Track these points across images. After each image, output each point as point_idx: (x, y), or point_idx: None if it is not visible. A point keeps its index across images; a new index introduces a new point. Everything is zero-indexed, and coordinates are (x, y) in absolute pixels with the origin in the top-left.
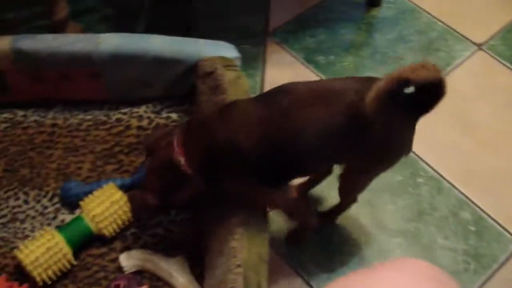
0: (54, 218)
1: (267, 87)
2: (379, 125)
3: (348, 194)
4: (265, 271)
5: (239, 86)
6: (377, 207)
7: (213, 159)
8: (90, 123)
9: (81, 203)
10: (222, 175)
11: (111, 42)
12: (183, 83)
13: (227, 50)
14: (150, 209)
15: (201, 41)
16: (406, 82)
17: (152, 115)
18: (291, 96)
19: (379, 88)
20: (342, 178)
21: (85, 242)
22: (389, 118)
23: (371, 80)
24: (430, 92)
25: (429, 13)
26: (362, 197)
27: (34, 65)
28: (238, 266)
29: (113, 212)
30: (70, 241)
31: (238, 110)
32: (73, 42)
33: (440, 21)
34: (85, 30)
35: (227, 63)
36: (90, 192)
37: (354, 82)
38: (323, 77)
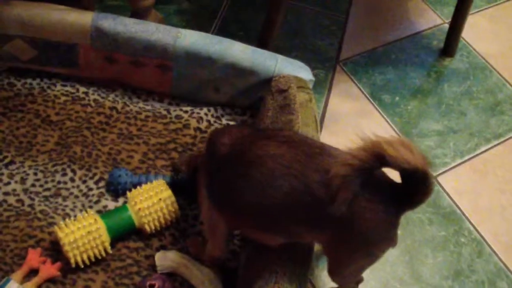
0: (97, 202)
1: (328, 114)
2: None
3: (342, 283)
4: None
5: (309, 109)
6: (416, 258)
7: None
8: (149, 113)
9: (129, 193)
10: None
11: (190, 39)
12: (251, 95)
13: (303, 71)
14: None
15: (280, 57)
16: (382, 158)
17: (212, 119)
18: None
19: (347, 161)
20: (328, 264)
21: (124, 233)
22: (358, 204)
23: None
24: (414, 184)
25: (500, 74)
26: (403, 245)
27: (110, 46)
28: None
29: (158, 209)
30: (110, 230)
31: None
32: (152, 31)
33: (510, 84)
34: (162, 18)
35: (301, 84)
36: (138, 183)
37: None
38: (385, 115)
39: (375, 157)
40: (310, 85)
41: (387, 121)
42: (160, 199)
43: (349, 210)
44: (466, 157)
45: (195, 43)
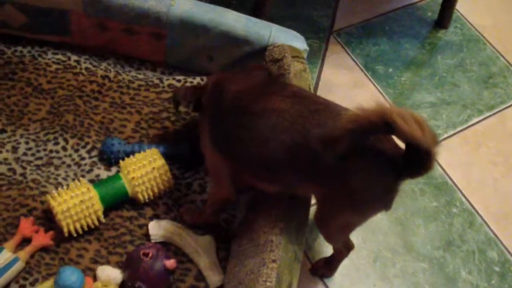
0: (89, 171)
1: (322, 85)
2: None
3: (327, 236)
4: (297, 271)
5: (303, 79)
6: (408, 228)
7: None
8: (141, 82)
9: (122, 162)
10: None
11: (184, 7)
12: (245, 63)
13: (298, 41)
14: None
15: (274, 26)
16: (390, 127)
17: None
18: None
19: (355, 118)
20: (316, 212)
21: (117, 202)
22: (355, 163)
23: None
24: (417, 157)
25: (493, 47)
26: (395, 215)
27: (102, 13)
28: (274, 261)
29: (152, 178)
30: (103, 199)
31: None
32: None
33: (503, 57)
34: None
35: (296, 54)
36: (132, 152)
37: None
38: (378, 87)
39: (384, 123)
40: (305, 55)
41: (380, 92)
42: (153, 168)
43: (345, 166)
44: (459, 129)
45: (188, 11)
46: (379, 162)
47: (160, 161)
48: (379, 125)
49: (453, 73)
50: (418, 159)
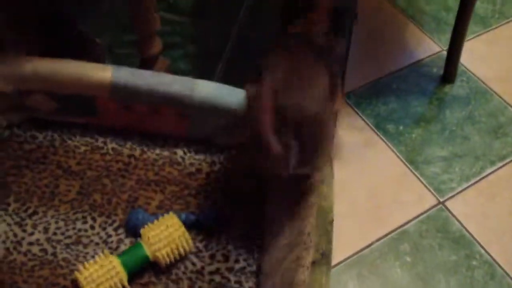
0: (116, 248)
1: (334, 148)
2: None
3: None
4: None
5: None
6: (429, 284)
7: None
8: (165, 160)
9: (142, 230)
10: None
11: (206, 89)
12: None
13: None
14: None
15: None
16: None
17: (225, 162)
18: None
19: None
20: None
21: (140, 267)
22: None
23: None
24: None
25: (500, 97)
26: (415, 271)
27: (129, 98)
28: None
29: (168, 235)
30: (125, 265)
31: None
32: (170, 83)
33: (511, 106)
34: (169, 64)
35: None
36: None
37: None
38: (390, 145)
39: None
40: None
41: (392, 151)
42: (168, 226)
43: None
44: (472, 181)
45: (211, 93)
46: None
47: (177, 223)
48: None
49: (463, 126)
50: None
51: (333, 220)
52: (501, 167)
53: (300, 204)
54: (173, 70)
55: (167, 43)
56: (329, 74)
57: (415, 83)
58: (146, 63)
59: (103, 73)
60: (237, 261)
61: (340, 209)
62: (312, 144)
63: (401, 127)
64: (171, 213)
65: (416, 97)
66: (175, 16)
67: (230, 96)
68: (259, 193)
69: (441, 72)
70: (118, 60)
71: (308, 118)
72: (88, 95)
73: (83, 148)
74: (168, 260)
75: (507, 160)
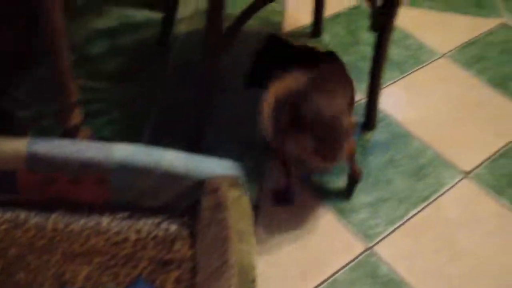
0: None
1: (263, 201)
2: None
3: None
4: None
5: (241, 205)
6: None
7: None
8: (90, 231)
9: None
10: None
11: (124, 152)
12: (188, 198)
13: (232, 169)
14: None
15: (210, 159)
16: None
17: (152, 228)
18: None
19: None
20: None
21: None
22: None
23: None
24: None
25: (420, 139)
26: None
27: (47, 168)
28: None
29: None
30: None
31: None
32: (86, 149)
33: (431, 147)
34: (93, 132)
35: (232, 182)
36: None
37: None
38: (318, 195)
39: None
40: (242, 181)
41: (319, 200)
42: None
43: None
44: (398, 224)
45: (129, 155)
46: None
47: None
48: None
49: (385, 170)
50: None
51: (255, 279)
52: (424, 207)
53: (222, 267)
54: (99, 139)
55: (92, 111)
56: (352, 87)
57: None
58: (69, 134)
59: (18, 145)
60: None
61: (264, 266)
62: (329, 142)
63: (327, 177)
64: None
65: None
66: (99, 83)
67: (151, 156)
68: (189, 260)
69: (363, 119)
70: (43, 132)
71: (324, 119)
72: (6, 169)
73: (4, 226)
74: None
75: (429, 200)
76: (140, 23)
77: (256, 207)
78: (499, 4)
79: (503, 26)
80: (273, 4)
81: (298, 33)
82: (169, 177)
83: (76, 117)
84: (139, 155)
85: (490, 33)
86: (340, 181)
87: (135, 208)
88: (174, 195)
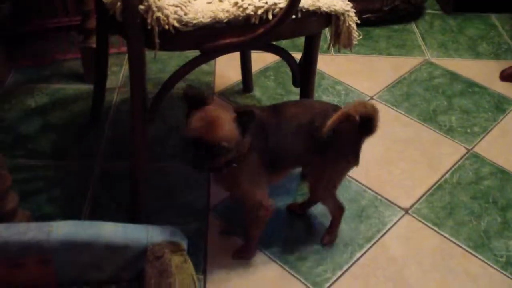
0: None
1: (209, 263)
2: (333, 137)
3: (323, 197)
4: None
5: (185, 270)
6: None
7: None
8: None
9: None
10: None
11: (63, 229)
12: (132, 267)
13: (174, 235)
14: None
15: (150, 227)
16: (350, 116)
17: None
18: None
19: (334, 120)
20: (309, 175)
21: None
22: (340, 134)
23: (336, 108)
24: (369, 122)
25: (358, 182)
26: None
27: None
28: None
29: None
30: None
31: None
32: (24, 231)
33: (369, 189)
34: (33, 212)
35: (175, 248)
36: None
37: (325, 105)
38: (263, 248)
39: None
40: (185, 246)
41: (265, 254)
42: None
43: (332, 138)
44: (345, 267)
45: (68, 232)
46: (353, 128)
47: None
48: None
49: (328, 216)
50: (369, 124)
51: None
52: (369, 248)
53: None
54: (39, 217)
55: (31, 190)
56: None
57: (280, 182)
58: (5, 219)
59: None
60: None
61: None
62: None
63: (269, 231)
64: None
65: (282, 198)
66: (36, 161)
67: (90, 230)
68: None
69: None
70: None
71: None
72: None
73: None
74: None
75: (374, 240)
76: (71, 96)
77: (204, 271)
78: (419, 42)
79: (426, 62)
80: (202, 65)
81: (230, 91)
82: (111, 249)
83: (12, 201)
84: (79, 231)
85: (414, 70)
86: (283, 232)
87: (82, 283)
88: (118, 266)
